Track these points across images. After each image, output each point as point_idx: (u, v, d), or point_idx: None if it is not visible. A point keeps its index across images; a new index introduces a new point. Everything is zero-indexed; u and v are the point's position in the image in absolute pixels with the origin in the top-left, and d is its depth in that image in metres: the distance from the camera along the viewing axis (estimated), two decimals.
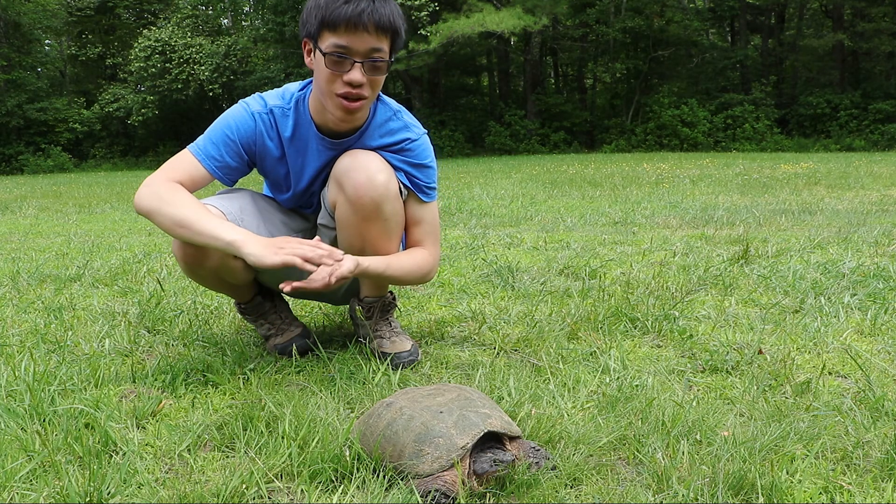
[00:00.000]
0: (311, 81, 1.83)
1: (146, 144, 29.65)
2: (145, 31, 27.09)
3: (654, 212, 5.54)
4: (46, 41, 31.48)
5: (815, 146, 22.30)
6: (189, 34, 27.14)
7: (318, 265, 1.58)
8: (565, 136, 26.24)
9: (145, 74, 26.83)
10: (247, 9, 31.85)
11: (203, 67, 26.10)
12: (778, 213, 5.22)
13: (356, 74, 1.67)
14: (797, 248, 3.57)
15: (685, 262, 3.28)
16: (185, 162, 1.81)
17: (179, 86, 26.57)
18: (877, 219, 4.81)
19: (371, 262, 1.73)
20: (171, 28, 27.04)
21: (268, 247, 1.58)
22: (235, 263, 1.85)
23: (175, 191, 1.73)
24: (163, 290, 2.82)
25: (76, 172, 24.17)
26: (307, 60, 1.75)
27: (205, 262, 1.81)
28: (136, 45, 26.80)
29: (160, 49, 26.37)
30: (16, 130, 27.34)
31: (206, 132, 1.86)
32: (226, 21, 30.69)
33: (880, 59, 25.05)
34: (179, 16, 27.94)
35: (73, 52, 30.39)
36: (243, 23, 31.51)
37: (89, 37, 30.48)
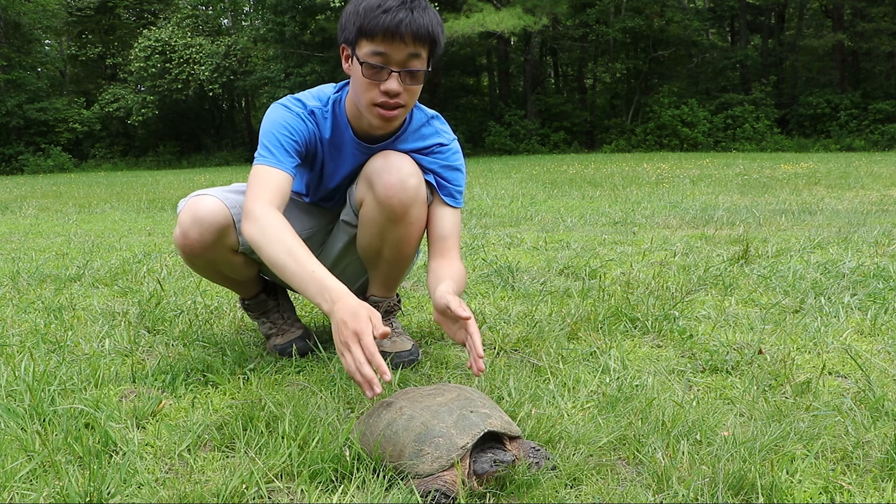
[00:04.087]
0: (347, 83, 1.81)
1: (146, 144, 29.65)
2: (145, 31, 27.10)
3: (654, 212, 5.54)
4: (46, 41, 31.47)
5: (815, 146, 22.30)
6: (189, 34, 27.14)
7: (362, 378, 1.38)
8: (565, 136, 26.25)
9: (145, 74, 26.85)
10: (247, 9, 31.86)
11: (203, 67, 26.10)
12: (778, 213, 5.22)
13: (393, 84, 1.65)
14: (797, 248, 3.57)
15: (685, 262, 3.28)
16: (272, 176, 1.69)
17: (179, 86, 26.58)
18: (877, 219, 4.81)
19: (448, 289, 1.62)
20: (171, 28, 27.05)
21: (354, 322, 1.38)
22: (237, 259, 1.85)
23: (282, 227, 1.60)
24: (163, 290, 2.82)
25: (76, 172, 24.17)
26: (345, 66, 1.73)
27: (204, 254, 1.80)
28: (136, 45, 26.81)
29: (160, 49, 26.38)
30: (16, 130, 27.34)
31: (266, 141, 1.74)
32: (226, 21, 30.69)
33: (880, 59, 25.04)
34: (179, 16, 27.94)
35: (73, 52, 30.39)
36: (243, 23, 31.51)
37: (89, 37, 30.48)
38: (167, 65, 26.39)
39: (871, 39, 23.87)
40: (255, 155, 1.75)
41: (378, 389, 1.33)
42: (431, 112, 1.90)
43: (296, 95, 1.84)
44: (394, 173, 1.73)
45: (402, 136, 1.84)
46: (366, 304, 1.43)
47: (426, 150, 1.85)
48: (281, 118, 1.77)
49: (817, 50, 26.35)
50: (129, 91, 28.17)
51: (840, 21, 25.23)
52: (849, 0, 24.14)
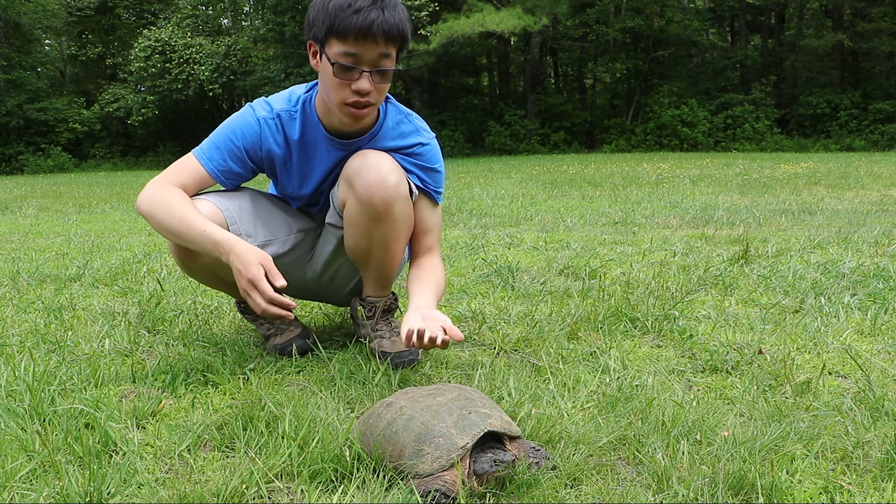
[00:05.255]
0: (317, 83, 1.83)
1: (146, 144, 29.65)
2: (145, 31, 27.09)
3: (654, 212, 5.54)
4: (46, 41, 31.49)
5: (815, 146, 22.30)
6: (189, 34, 27.14)
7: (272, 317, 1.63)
8: (565, 136, 26.24)
9: (145, 74, 26.84)
10: (247, 9, 31.85)
11: (203, 67, 26.10)
12: (778, 213, 5.22)
13: (364, 83, 1.67)
14: (797, 248, 3.57)
15: (685, 262, 3.28)
16: (189, 166, 1.83)
17: (179, 86, 26.57)
18: (877, 219, 4.81)
19: (430, 303, 1.71)
20: (171, 28, 27.04)
21: (245, 270, 1.62)
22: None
23: (169, 196, 1.76)
24: (163, 290, 2.82)
25: (76, 172, 24.16)
26: (312, 63, 1.75)
27: (198, 258, 1.82)
28: (136, 45, 26.80)
29: (160, 49, 26.37)
30: (16, 130, 27.33)
31: (210, 136, 1.86)
32: (226, 21, 30.68)
33: (880, 59, 25.04)
34: (179, 16, 27.94)
35: (73, 52, 30.38)
36: (243, 23, 31.50)
37: (89, 37, 30.47)
38: (167, 65, 26.37)
39: (871, 39, 23.87)
40: (200, 146, 1.86)
41: (291, 316, 1.63)
42: (406, 109, 1.91)
43: (268, 98, 1.89)
44: (373, 171, 1.74)
45: (378, 133, 1.85)
46: (256, 250, 1.65)
47: (407, 151, 1.86)
48: (236, 122, 1.85)
49: (817, 50, 26.35)
50: (129, 91, 28.16)
51: (840, 21, 25.22)
52: (849, 0, 24.13)
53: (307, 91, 1.86)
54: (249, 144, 1.84)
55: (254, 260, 1.62)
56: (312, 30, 1.70)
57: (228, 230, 1.82)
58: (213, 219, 1.79)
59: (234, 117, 1.86)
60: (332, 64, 1.65)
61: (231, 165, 1.84)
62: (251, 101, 1.90)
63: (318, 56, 1.71)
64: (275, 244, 1.91)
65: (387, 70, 1.69)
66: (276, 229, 1.93)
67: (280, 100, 1.87)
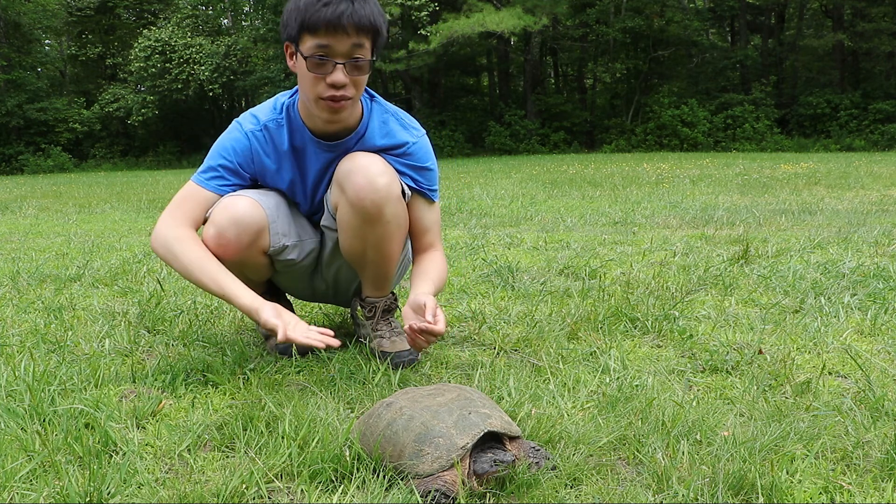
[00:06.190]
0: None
1: (146, 144, 29.65)
2: (145, 31, 27.09)
3: (654, 212, 5.54)
4: (46, 41, 31.50)
5: (815, 146, 22.29)
6: (189, 34, 27.13)
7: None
8: (565, 136, 26.24)
9: (145, 74, 26.84)
10: (247, 9, 31.84)
11: (203, 67, 26.09)
12: (778, 213, 5.22)
13: (339, 76, 1.67)
14: (797, 248, 3.57)
15: (685, 262, 3.28)
16: (194, 195, 1.84)
17: (179, 86, 26.57)
18: (877, 219, 4.81)
19: (426, 291, 1.74)
20: (171, 28, 27.03)
21: (283, 322, 1.63)
22: (264, 260, 1.86)
23: (185, 249, 1.75)
24: (163, 290, 2.82)
25: (76, 172, 24.16)
26: (290, 64, 1.76)
27: (237, 255, 1.81)
28: (136, 45, 26.79)
29: (160, 49, 26.37)
30: (16, 130, 27.33)
31: (205, 160, 1.87)
32: (226, 21, 30.67)
33: (880, 59, 25.03)
34: (179, 16, 27.93)
35: (73, 52, 30.38)
36: (243, 23, 31.49)
37: (89, 37, 30.46)
38: (167, 65, 26.37)
39: (871, 39, 23.85)
40: (197, 171, 1.87)
41: (335, 343, 1.60)
42: (393, 107, 1.92)
43: (254, 111, 1.89)
44: (361, 175, 1.74)
45: (365, 133, 1.84)
46: (272, 317, 1.63)
47: (395, 150, 1.85)
48: (227, 140, 1.86)
49: (817, 50, 26.33)
50: (129, 91, 28.15)
51: (840, 21, 25.21)
52: (849, 0, 24.12)
53: (290, 97, 1.87)
54: (241, 159, 1.85)
55: (280, 325, 1.62)
56: (287, 30, 1.70)
57: (269, 228, 1.83)
58: (255, 216, 1.79)
59: (224, 136, 1.88)
60: (306, 59, 1.66)
61: (230, 179, 1.86)
62: (247, 106, 1.91)
63: (293, 56, 1.72)
64: (301, 246, 1.93)
65: (361, 62, 1.68)
66: (303, 233, 1.94)
67: (265, 110, 1.87)
